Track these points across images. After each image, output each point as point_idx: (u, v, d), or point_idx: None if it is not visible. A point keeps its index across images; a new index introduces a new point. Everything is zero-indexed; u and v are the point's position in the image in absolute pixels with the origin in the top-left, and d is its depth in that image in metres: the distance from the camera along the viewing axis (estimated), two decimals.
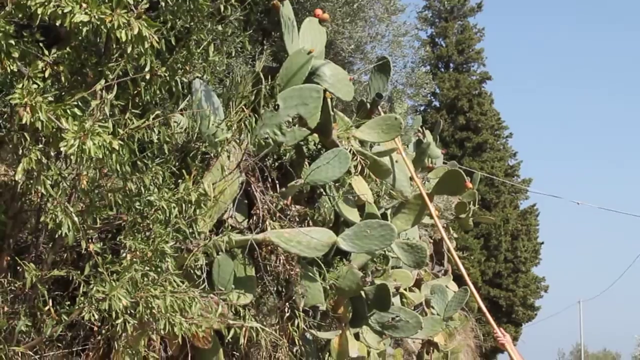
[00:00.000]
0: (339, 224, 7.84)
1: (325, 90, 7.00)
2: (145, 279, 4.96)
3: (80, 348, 5.66)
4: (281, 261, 6.79)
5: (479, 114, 35.53)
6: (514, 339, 34.13)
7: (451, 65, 37.17)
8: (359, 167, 7.73)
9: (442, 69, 37.06)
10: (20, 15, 4.40)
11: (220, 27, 5.76)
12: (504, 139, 37.96)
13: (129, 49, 4.40)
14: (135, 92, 4.97)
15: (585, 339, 56.45)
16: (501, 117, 37.76)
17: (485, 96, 36.68)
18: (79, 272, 4.98)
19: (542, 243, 38.52)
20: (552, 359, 66.08)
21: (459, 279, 18.99)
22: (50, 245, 5.27)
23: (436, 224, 9.23)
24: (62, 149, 4.20)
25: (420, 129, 13.90)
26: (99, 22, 4.19)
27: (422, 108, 33.61)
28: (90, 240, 4.99)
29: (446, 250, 17.58)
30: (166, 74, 5.03)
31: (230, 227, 6.31)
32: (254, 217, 6.71)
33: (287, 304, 7.20)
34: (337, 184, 7.72)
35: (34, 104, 4.17)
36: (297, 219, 7.08)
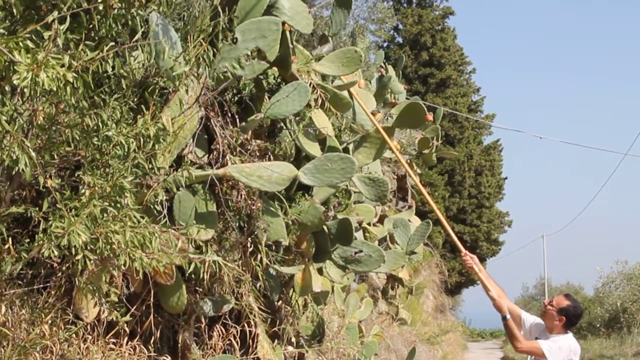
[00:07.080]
0: (300, 159, 7.82)
1: (284, 23, 6.94)
2: (105, 214, 4.91)
3: (42, 286, 5.64)
4: (242, 196, 6.78)
5: (442, 49, 35.61)
6: None
7: (414, 0, 37.08)
8: (319, 101, 7.71)
9: (405, 5, 36.99)
10: None
11: None
12: (467, 75, 38.21)
13: None
14: (91, 25, 4.89)
15: (548, 273, 57.53)
16: (464, 53, 37.92)
17: (448, 32, 36.76)
18: (37, 209, 4.93)
19: (506, 178, 39.13)
20: (516, 293, 67.23)
21: (422, 215, 19.19)
22: (7, 183, 5.21)
23: (397, 157, 9.23)
24: (15, 82, 4.12)
25: (382, 64, 13.88)
26: None
27: (385, 44, 33.61)
28: (48, 177, 4.93)
29: (410, 185, 17.68)
30: (121, 6, 4.94)
31: (190, 162, 6.27)
32: (214, 152, 6.67)
33: (249, 239, 7.20)
34: (297, 118, 7.69)
35: None
36: (258, 154, 7.06)
